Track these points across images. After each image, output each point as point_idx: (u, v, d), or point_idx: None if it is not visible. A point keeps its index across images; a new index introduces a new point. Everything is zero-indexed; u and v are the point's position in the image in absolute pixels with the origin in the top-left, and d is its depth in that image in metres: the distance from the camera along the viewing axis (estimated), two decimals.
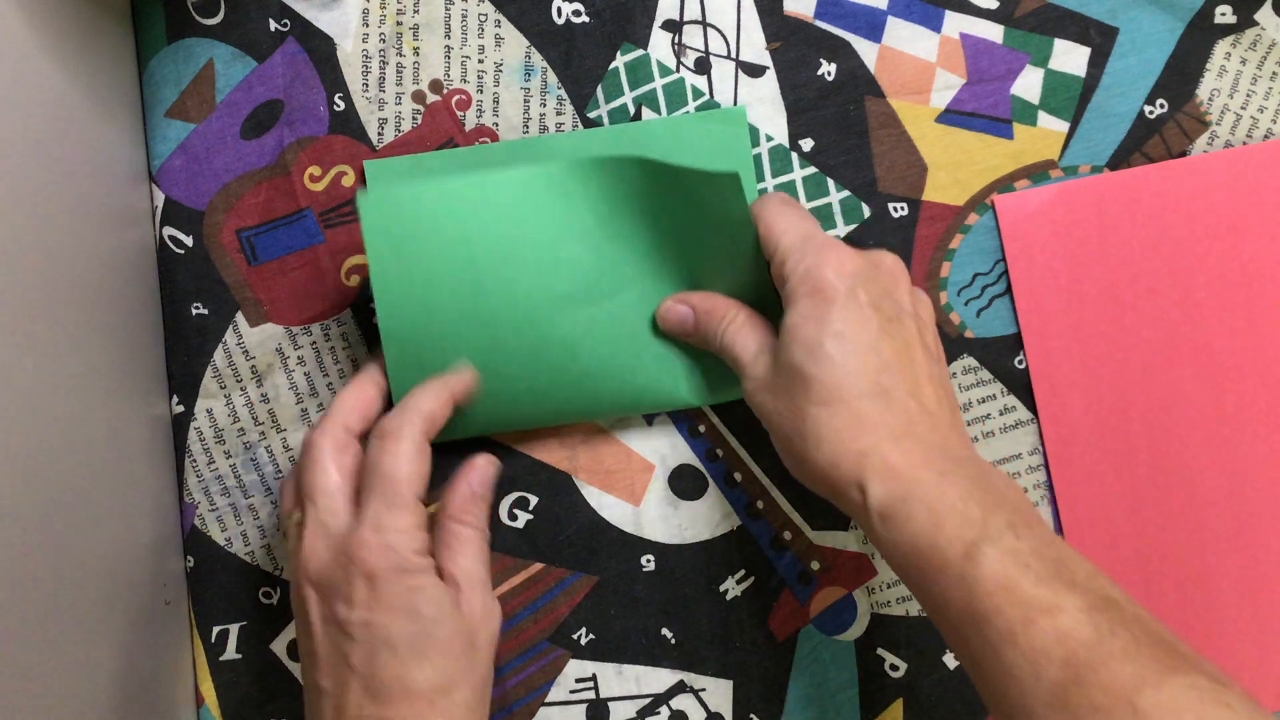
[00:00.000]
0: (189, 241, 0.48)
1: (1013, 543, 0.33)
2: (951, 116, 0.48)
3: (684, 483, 0.48)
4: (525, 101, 0.48)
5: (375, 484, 0.39)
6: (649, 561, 0.48)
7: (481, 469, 0.42)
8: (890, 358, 0.37)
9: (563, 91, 0.48)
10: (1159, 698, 0.29)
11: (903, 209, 0.48)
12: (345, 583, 0.38)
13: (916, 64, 0.48)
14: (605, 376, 0.45)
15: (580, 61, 0.48)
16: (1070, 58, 0.48)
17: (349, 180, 0.48)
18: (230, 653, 0.48)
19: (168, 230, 0.48)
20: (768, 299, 0.43)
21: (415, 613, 0.37)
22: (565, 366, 0.45)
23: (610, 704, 0.48)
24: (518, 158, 0.46)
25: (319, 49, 0.47)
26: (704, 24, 0.48)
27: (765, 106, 0.48)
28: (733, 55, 0.48)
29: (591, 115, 0.48)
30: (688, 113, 0.48)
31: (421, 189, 0.43)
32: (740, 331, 0.42)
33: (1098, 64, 0.48)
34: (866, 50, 0.48)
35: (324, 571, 0.39)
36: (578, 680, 0.48)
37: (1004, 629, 0.31)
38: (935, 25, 0.48)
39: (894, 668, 0.48)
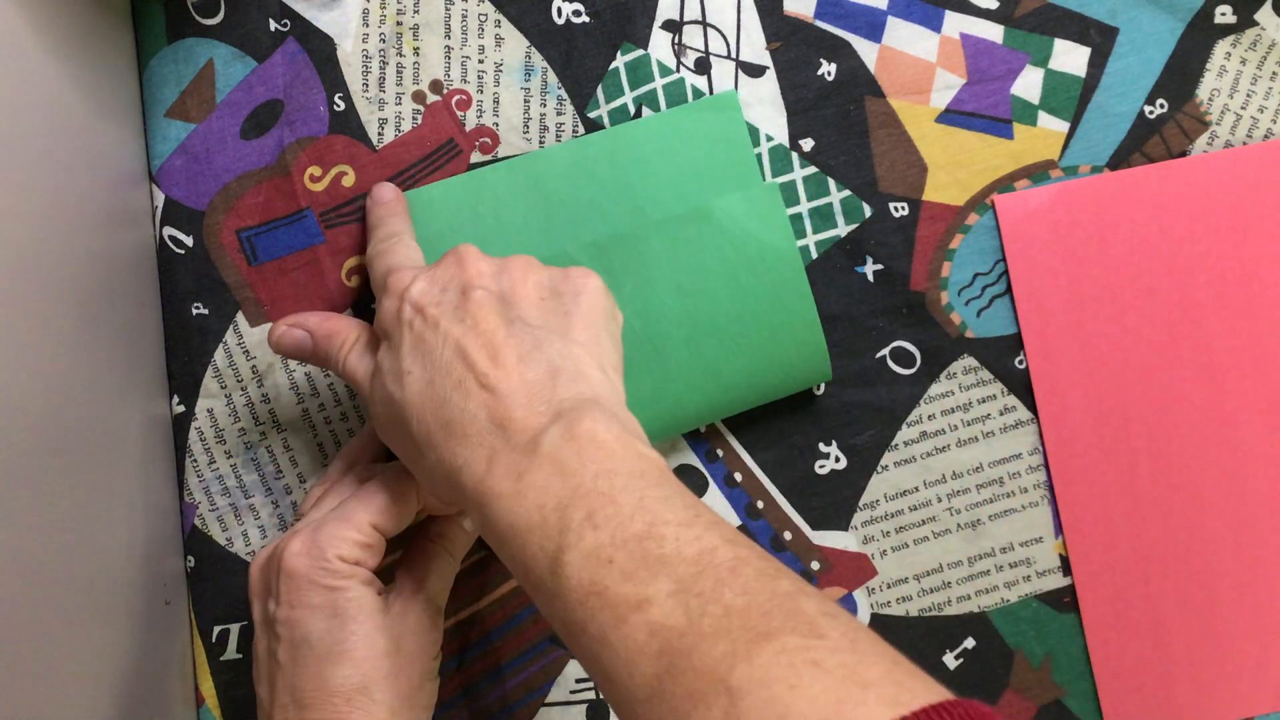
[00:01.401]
0: (189, 241, 0.48)
1: (592, 539, 0.31)
2: (951, 116, 0.48)
3: (684, 483, 0.48)
4: (525, 101, 0.48)
5: (344, 502, 0.40)
6: None
7: None
8: (444, 363, 0.35)
9: (563, 91, 0.48)
10: (750, 671, 0.27)
11: (903, 209, 0.48)
12: (274, 580, 0.38)
13: (916, 64, 0.48)
14: (638, 391, 0.45)
15: (580, 61, 0.48)
16: (1070, 58, 0.48)
17: (349, 180, 0.48)
18: (230, 653, 0.48)
19: (168, 230, 0.48)
20: (808, 338, 0.45)
21: (334, 612, 0.37)
22: None
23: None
24: (515, 181, 0.46)
25: (319, 49, 0.47)
26: (704, 24, 0.48)
27: (765, 106, 0.48)
28: (733, 55, 0.48)
29: (591, 115, 0.48)
30: (678, 106, 0.47)
31: (424, 203, 0.45)
32: (362, 357, 0.40)
33: (1098, 64, 0.48)
34: (866, 50, 0.48)
35: (258, 571, 0.40)
36: (578, 680, 0.48)
37: (597, 635, 0.30)
38: (935, 25, 0.48)
39: None
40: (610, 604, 0.30)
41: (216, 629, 0.48)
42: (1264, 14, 0.48)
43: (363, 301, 0.48)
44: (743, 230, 0.45)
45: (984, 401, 0.48)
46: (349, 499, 0.39)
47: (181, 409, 0.48)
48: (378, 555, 0.39)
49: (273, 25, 0.48)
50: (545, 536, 0.31)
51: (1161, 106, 0.48)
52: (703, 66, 0.48)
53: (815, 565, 0.48)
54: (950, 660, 0.48)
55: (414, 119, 0.48)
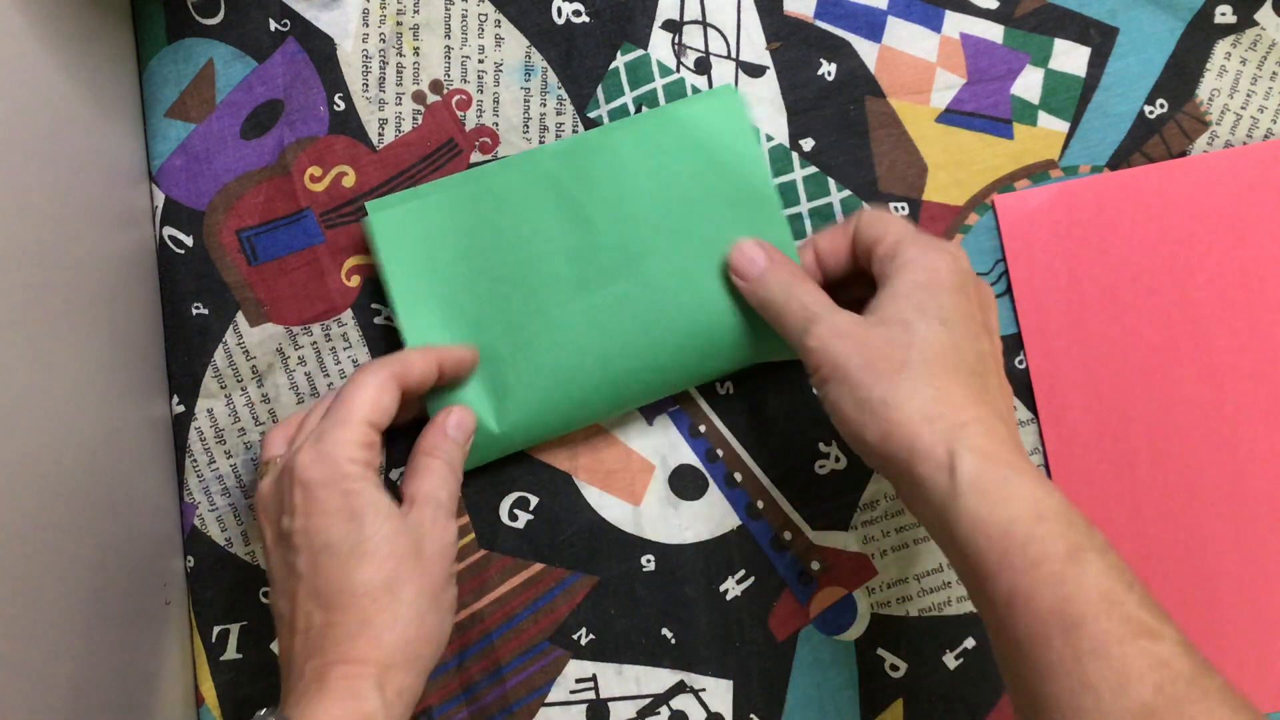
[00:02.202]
0: (189, 241, 0.48)
1: (1114, 560, 0.33)
2: (952, 116, 0.48)
3: (684, 483, 0.48)
4: (525, 101, 0.48)
5: (331, 408, 0.40)
6: (649, 561, 0.48)
7: (458, 414, 0.44)
8: (983, 354, 0.38)
9: (563, 91, 0.48)
10: None
11: (903, 209, 0.48)
12: (287, 495, 0.39)
13: (917, 64, 0.48)
14: (631, 358, 0.45)
15: (580, 61, 0.48)
16: (1070, 58, 0.48)
17: (349, 180, 0.48)
18: (230, 653, 0.48)
19: (168, 230, 0.48)
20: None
21: (352, 514, 0.38)
22: (591, 352, 0.45)
23: (610, 704, 0.48)
24: (522, 175, 0.46)
25: (319, 49, 0.47)
26: (704, 24, 0.48)
27: (765, 106, 0.48)
28: (733, 55, 0.48)
29: (591, 115, 0.48)
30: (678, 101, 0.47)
31: (424, 200, 0.45)
32: (811, 287, 0.41)
33: (1098, 64, 0.48)
34: (866, 50, 0.48)
35: (269, 493, 0.40)
36: (578, 680, 0.48)
37: (1098, 639, 0.31)
38: (935, 25, 0.48)
39: (894, 668, 0.48)
40: (1124, 618, 0.31)
41: (216, 629, 0.48)
42: (1264, 14, 0.48)
43: (363, 301, 0.48)
44: (706, 134, 0.44)
45: None
46: (335, 406, 0.40)
47: (181, 409, 0.48)
48: (380, 453, 0.40)
49: (273, 25, 0.48)
50: (1070, 526, 0.33)
51: (1161, 106, 0.48)
52: (703, 66, 0.48)
53: (815, 565, 0.48)
54: (950, 660, 0.48)
55: (414, 119, 0.48)
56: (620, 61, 0.48)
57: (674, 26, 0.48)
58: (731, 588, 0.48)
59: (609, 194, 0.45)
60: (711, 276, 0.44)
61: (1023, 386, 0.48)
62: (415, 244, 0.45)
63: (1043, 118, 0.48)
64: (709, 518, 0.48)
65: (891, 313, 0.38)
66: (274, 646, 0.48)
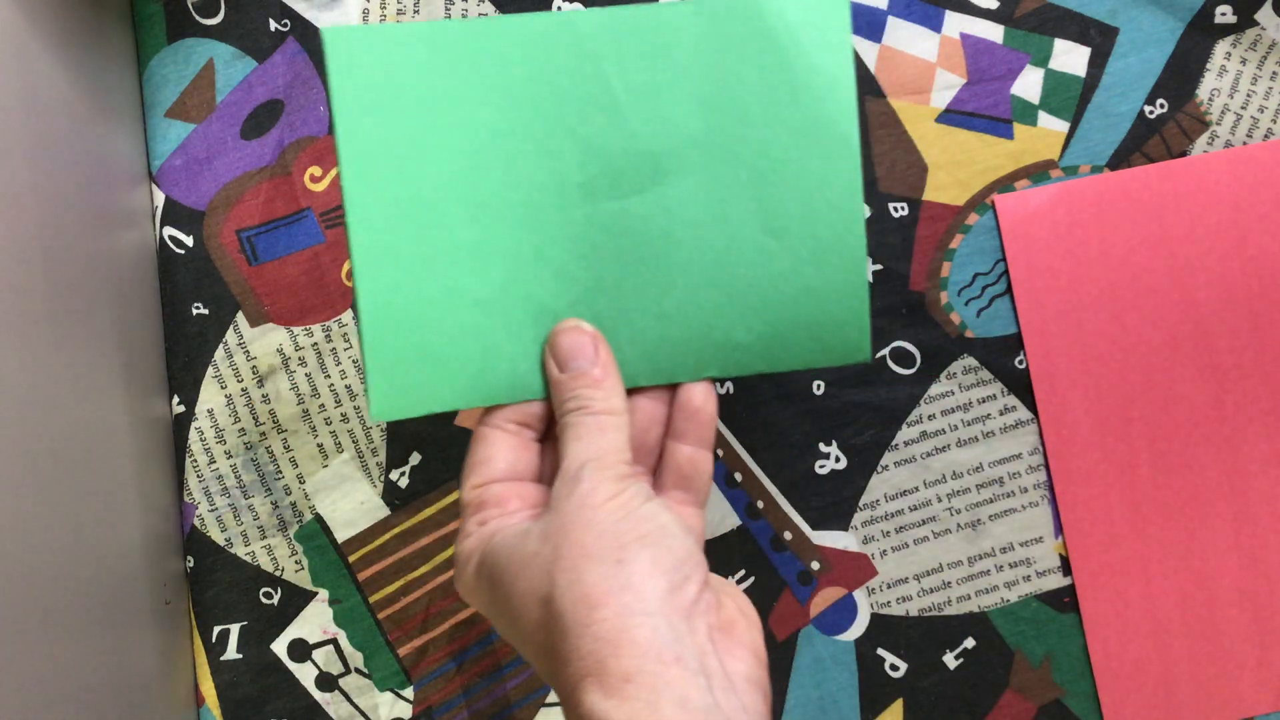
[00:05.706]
0: (189, 241, 0.48)
1: None
2: (952, 116, 0.48)
3: None
4: None
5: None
6: None
7: (568, 342, 0.34)
8: None
9: None
10: None
11: (903, 209, 0.48)
12: None
13: (917, 64, 0.48)
14: (626, 298, 0.36)
15: None
16: (1070, 58, 0.48)
17: None
18: (230, 653, 0.48)
19: (168, 230, 0.48)
20: (850, 220, 0.36)
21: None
22: (578, 277, 0.35)
23: None
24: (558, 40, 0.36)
25: (319, 49, 0.47)
26: None
27: None
28: None
29: None
30: None
31: (404, 31, 0.33)
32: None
33: (1098, 64, 0.48)
34: (867, 50, 0.48)
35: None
36: None
37: None
38: (935, 25, 0.48)
39: (894, 668, 0.48)
40: None
41: (216, 629, 0.48)
42: (1264, 14, 0.48)
43: None
44: (790, 38, 0.35)
45: (984, 401, 0.48)
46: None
47: (181, 409, 0.48)
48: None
49: (273, 25, 0.48)
50: None
51: (1161, 106, 0.48)
52: None
53: (815, 565, 0.48)
54: (950, 660, 0.48)
55: None
56: None
57: None
58: None
59: (650, 83, 0.35)
60: (750, 218, 0.36)
61: (1023, 386, 0.48)
62: (381, 86, 0.34)
63: (1043, 118, 0.48)
64: (709, 518, 0.48)
65: None
66: (275, 646, 0.48)
